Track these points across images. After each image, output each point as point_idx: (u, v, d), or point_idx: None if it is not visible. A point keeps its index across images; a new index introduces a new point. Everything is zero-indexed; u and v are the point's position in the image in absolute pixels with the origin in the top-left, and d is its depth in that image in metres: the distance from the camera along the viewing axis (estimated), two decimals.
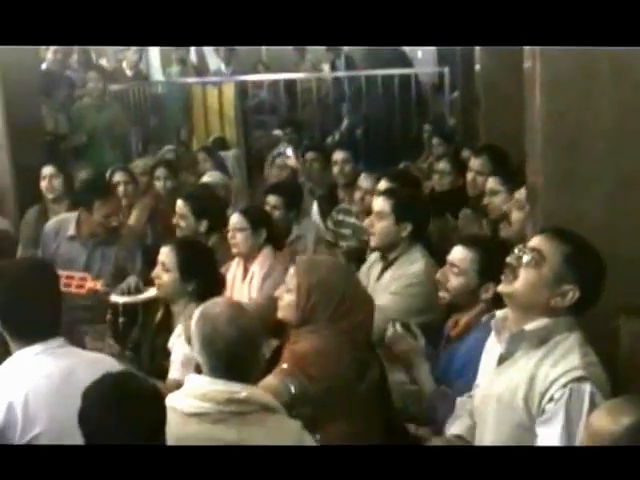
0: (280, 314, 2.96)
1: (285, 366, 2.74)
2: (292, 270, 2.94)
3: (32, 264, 2.89)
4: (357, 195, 4.77)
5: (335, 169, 5.44)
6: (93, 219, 4.41)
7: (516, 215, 3.71)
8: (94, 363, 2.57)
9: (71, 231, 4.50)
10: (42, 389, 2.44)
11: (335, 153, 5.57)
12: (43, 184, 5.04)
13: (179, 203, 4.41)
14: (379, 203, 3.70)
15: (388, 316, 3.20)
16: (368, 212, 3.94)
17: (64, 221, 4.59)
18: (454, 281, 3.04)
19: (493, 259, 2.87)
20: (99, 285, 4.00)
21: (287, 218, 4.69)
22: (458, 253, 3.06)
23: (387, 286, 3.57)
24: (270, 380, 2.69)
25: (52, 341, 2.54)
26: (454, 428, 2.70)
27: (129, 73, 8.48)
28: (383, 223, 3.64)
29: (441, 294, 3.11)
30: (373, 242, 3.72)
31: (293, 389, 2.67)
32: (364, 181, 4.75)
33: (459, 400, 2.77)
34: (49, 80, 6.68)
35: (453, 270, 3.04)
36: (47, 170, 5.06)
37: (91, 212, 4.40)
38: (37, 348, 2.50)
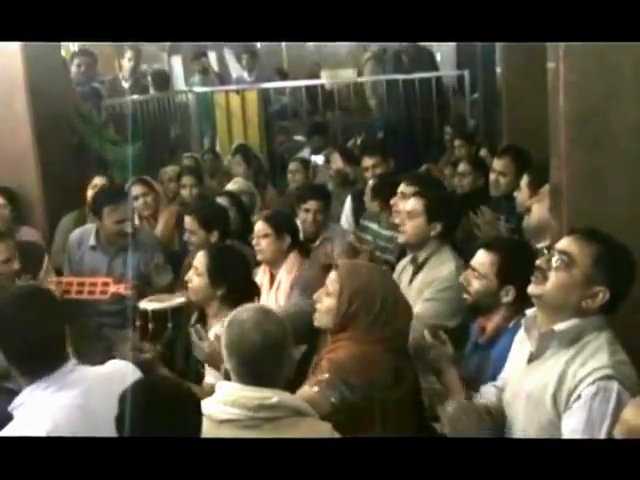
0: (317, 320, 2.90)
1: (326, 376, 2.69)
2: (334, 274, 2.88)
3: (22, 293, 2.55)
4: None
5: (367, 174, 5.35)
6: (105, 226, 4.43)
7: (536, 208, 3.69)
8: (109, 377, 2.45)
9: (91, 241, 4.52)
10: (68, 421, 2.27)
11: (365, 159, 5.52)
12: (91, 194, 5.00)
13: (187, 219, 4.32)
14: (411, 202, 3.77)
15: (425, 323, 3.17)
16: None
17: (86, 231, 4.60)
18: (475, 284, 3.01)
19: (513, 262, 2.93)
20: (122, 289, 3.99)
21: (326, 221, 4.70)
22: (479, 256, 3.04)
23: (420, 290, 3.58)
24: (309, 392, 2.66)
25: (63, 368, 2.37)
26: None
27: (126, 85, 8.01)
28: (414, 222, 3.71)
29: (464, 296, 3.10)
30: (402, 239, 3.80)
31: (334, 399, 2.65)
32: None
33: (483, 388, 2.77)
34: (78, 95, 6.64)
35: (474, 273, 3.03)
36: (98, 180, 5.08)
37: (102, 219, 4.43)
38: (48, 381, 2.33)
